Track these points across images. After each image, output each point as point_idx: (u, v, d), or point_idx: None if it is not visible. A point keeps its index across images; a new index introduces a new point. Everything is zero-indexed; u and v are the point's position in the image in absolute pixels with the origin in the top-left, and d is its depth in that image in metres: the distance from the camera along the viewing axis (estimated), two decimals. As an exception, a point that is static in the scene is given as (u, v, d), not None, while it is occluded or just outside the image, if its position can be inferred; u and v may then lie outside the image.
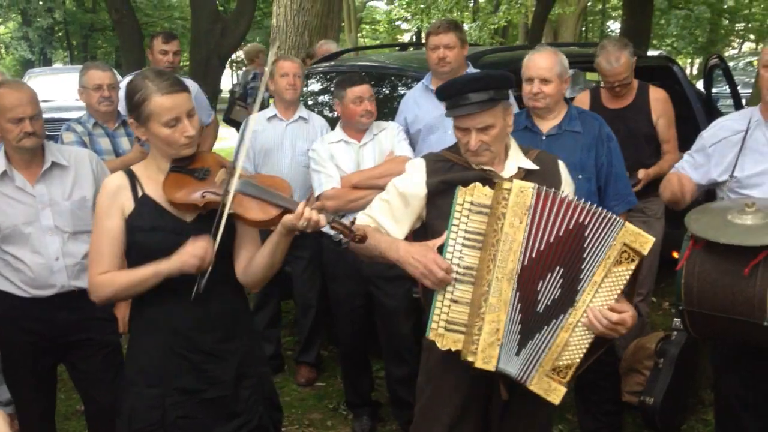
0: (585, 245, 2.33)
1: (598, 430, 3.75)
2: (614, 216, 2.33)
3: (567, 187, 2.61)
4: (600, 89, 4.42)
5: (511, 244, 2.32)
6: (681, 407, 3.98)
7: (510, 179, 2.42)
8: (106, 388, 3.13)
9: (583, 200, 2.36)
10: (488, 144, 2.47)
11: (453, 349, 2.35)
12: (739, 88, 6.36)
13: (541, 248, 2.33)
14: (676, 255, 2.76)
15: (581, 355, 2.35)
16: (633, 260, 2.33)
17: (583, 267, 2.33)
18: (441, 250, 2.38)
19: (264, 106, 4.66)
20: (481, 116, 2.44)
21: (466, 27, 22.42)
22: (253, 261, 2.39)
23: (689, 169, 3.04)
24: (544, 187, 2.35)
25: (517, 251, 2.31)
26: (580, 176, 3.40)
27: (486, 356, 2.32)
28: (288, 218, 2.22)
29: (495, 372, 2.34)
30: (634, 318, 2.38)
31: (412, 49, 7.50)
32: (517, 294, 2.33)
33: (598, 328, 2.31)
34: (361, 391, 4.13)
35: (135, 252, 2.37)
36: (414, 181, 2.58)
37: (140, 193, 2.37)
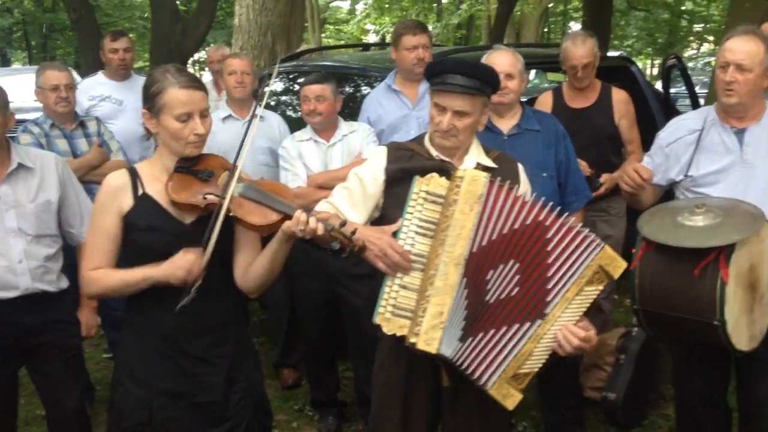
0: (549, 249, 2.37)
1: (561, 424, 3.79)
2: (595, 237, 2.40)
3: (525, 189, 2.65)
4: (563, 89, 4.47)
5: (460, 230, 2.36)
6: (642, 402, 4.04)
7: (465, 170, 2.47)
8: (67, 393, 3.10)
9: (543, 200, 2.41)
10: (458, 130, 2.52)
11: (398, 334, 2.39)
12: (698, 88, 6.48)
13: (493, 238, 2.37)
14: (634, 252, 2.81)
15: (540, 365, 2.40)
16: (602, 281, 2.39)
17: (550, 276, 2.37)
18: (395, 236, 2.42)
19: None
20: (462, 99, 2.50)
21: (430, 27, 22.52)
22: (252, 267, 2.37)
23: (649, 170, 3.09)
24: (498, 178, 2.40)
25: (466, 237, 2.36)
26: (544, 174, 3.45)
27: (428, 338, 2.36)
28: (287, 224, 2.21)
29: (436, 355, 2.38)
30: (595, 338, 2.43)
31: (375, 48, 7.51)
32: (464, 280, 2.37)
33: (567, 348, 2.36)
34: (327, 391, 4.12)
35: (130, 250, 2.36)
36: (374, 168, 2.63)
37: (140, 192, 2.35)
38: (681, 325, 2.66)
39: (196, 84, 2.31)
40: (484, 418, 2.62)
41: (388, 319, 2.40)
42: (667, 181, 3.03)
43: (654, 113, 5.38)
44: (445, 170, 2.48)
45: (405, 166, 2.57)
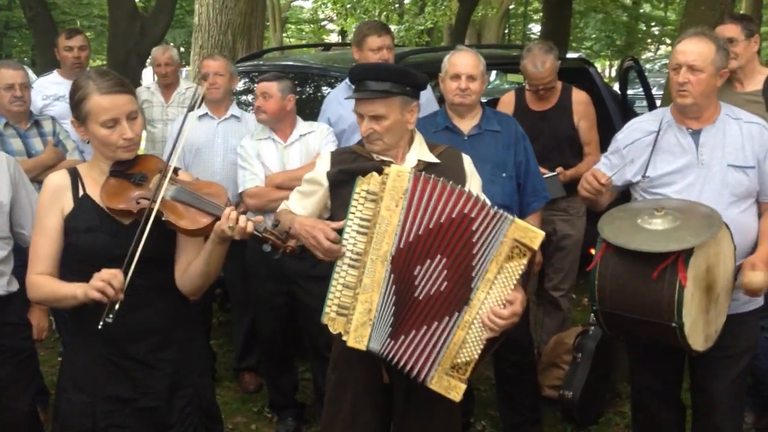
0: (474, 240, 2.39)
1: (520, 424, 3.81)
2: (502, 212, 2.40)
3: (473, 181, 2.69)
4: (525, 91, 4.50)
5: (386, 227, 2.40)
6: (599, 400, 4.09)
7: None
8: (19, 396, 3.04)
9: (468, 191, 2.43)
10: (380, 134, 2.57)
11: (341, 332, 2.42)
12: (655, 89, 6.57)
13: (420, 233, 2.40)
14: (593, 251, 2.83)
15: (479, 352, 2.41)
16: (525, 255, 2.38)
17: (474, 264, 2.39)
18: (339, 236, 2.45)
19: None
20: (373, 104, 2.55)
21: (393, 29, 22.52)
22: (189, 269, 2.34)
23: (606, 171, 3.11)
24: (423, 173, 2.42)
25: (392, 234, 2.39)
26: (503, 174, 3.49)
27: (358, 335, 2.40)
28: (218, 224, 2.18)
29: (367, 351, 2.41)
30: (524, 302, 2.44)
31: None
32: (391, 276, 2.40)
33: (494, 328, 2.38)
34: (285, 392, 4.09)
35: (70, 253, 2.32)
36: (319, 172, 2.68)
37: (81, 193, 2.32)
38: (639, 326, 2.69)
39: (120, 88, 2.26)
40: (435, 416, 2.64)
41: (334, 318, 2.44)
42: (624, 182, 3.06)
43: (611, 114, 5.45)
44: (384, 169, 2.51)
45: (345, 168, 2.61)
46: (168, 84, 5.68)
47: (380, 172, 2.46)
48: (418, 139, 2.70)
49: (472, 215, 2.39)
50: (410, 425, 2.67)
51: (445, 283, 2.39)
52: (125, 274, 2.15)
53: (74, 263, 2.31)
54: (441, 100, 3.88)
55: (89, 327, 2.30)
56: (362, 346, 2.41)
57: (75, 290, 2.19)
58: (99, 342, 2.33)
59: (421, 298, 2.41)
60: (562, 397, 3.93)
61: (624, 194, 3.20)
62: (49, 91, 5.02)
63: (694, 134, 2.91)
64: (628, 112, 5.56)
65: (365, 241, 2.43)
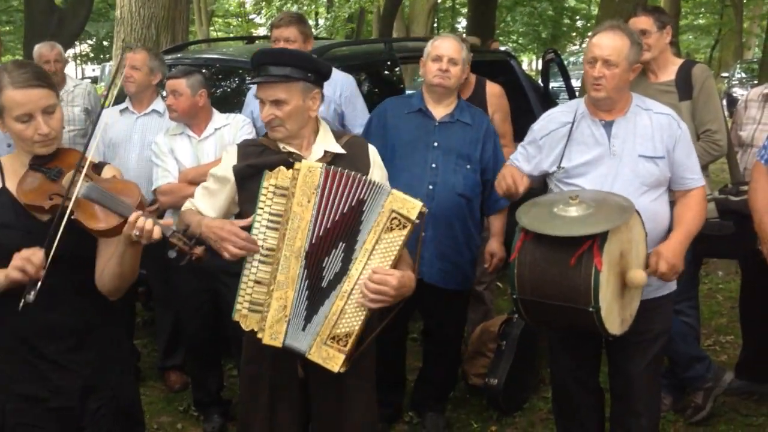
0: (362, 218, 2.43)
1: (424, 398, 3.95)
2: (382, 185, 2.44)
3: (377, 170, 2.70)
4: None
5: (299, 223, 2.41)
6: (523, 386, 4.16)
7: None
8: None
9: (368, 179, 2.46)
10: (281, 119, 2.55)
11: (255, 329, 2.41)
12: (579, 81, 6.69)
13: (328, 226, 2.42)
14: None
15: (359, 323, 2.42)
16: (405, 227, 2.42)
17: (357, 238, 2.43)
18: (248, 231, 2.44)
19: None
20: (274, 89, 2.53)
21: (321, 21, 22.45)
22: (105, 269, 2.28)
23: (522, 161, 3.16)
24: (332, 167, 2.44)
25: (305, 229, 2.41)
26: (467, 166, 3.56)
27: (273, 332, 2.40)
28: (125, 228, 2.13)
29: (283, 348, 2.41)
30: (409, 278, 2.47)
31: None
32: (305, 271, 2.41)
33: (366, 294, 2.39)
34: (211, 390, 4.03)
35: None
36: (225, 167, 2.65)
37: (0, 186, 2.25)
38: (557, 312, 2.74)
39: (36, 82, 2.19)
40: (352, 409, 2.64)
41: (245, 315, 2.43)
42: (540, 172, 3.11)
43: (533, 106, 5.54)
44: (292, 162, 2.50)
45: (252, 162, 2.58)
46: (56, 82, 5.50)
47: (288, 165, 2.45)
48: (324, 128, 2.69)
49: (365, 198, 2.43)
50: (327, 420, 2.67)
51: (340, 264, 2.43)
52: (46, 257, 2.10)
53: None
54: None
55: (2, 322, 2.25)
56: (278, 343, 2.40)
57: None
58: (12, 339, 2.27)
59: (325, 286, 2.43)
60: (488, 385, 3.98)
61: (544, 182, 3.26)
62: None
63: (606, 125, 2.98)
64: (549, 104, 5.66)
65: (277, 237, 2.42)
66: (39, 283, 2.10)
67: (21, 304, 2.09)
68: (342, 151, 2.65)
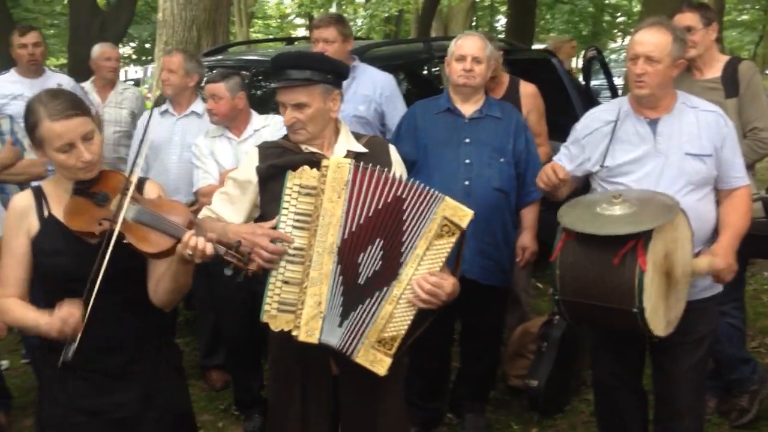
0: (404, 218, 2.42)
1: (464, 396, 3.93)
2: (434, 191, 2.42)
3: (399, 168, 2.70)
4: None
5: (330, 219, 2.40)
6: (564, 388, 4.11)
7: None
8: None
9: (400, 176, 2.47)
10: (303, 122, 2.55)
11: (285, 329, 2.41)
12: (621, 79, 6.59)
13: (361, 222, 2.41)
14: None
15: (406, 327, 2.43)
16: (454, 234, 2.41)
17: (404, 240, 2.41)
18: None
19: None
20: (294, 93, 2.53)
21: (358, 21, 22.49)
22: (159, 285, 2.31)
23: (565, 161, 3.13)
24: (362, 163, 2.44)
25: (336, 225, 2.40)
26: (501, 160, 3.56)
27: (309, 329, 2.39)
28: (179, 248, 2.14)
29: (319, 344, 2.40)
30: (455, 287, 2.46)
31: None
32: (338, 267, 2.41)
33: (420, 295, 2.39)
34: (252, 390, 4.07)
35: (40, 274, 2.30)
36: (246, 169, 2.65)
37: (46, 214, 2.29)
38: (600, 313, 2.71)
39: (72, 111, 2.20)
40: (378, 405, 2.64)
41: (274, 316, 2.42)
42: (584, 171, 3.07)
43: (574, 105, 5.49)
44: (315, 162, 2.49)
45: (275, 163, 2.58)
46: (107, 83, 5.60)
47: (311, 165, 2.45)
48: (345, 130, 2.69)
49: (404, 195, 2.42)
50: (358, 419, 2.66)
51: (381, 263, 2.42)
52: (86, 300, 2.13)
53: (44, 283, 2.30)
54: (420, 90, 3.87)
55: (62, 340, 2.29)
56: (314, 340, 2.40)
57: (38, 320, 2.19)
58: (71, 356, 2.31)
59: (363, 283, 2.43)
60: (528, 386, 3.95)
61: (588, 183, 3.22)
62: (6, 90, 4.94)
63: (651, 123, 2.93)
64: (591, 102, 5.60)
65: (305, 236, 2.42)
66: (75, 344, 2.13)
67: (60, 363, 2.14)
68: (364, 150, 2.65)
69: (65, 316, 2.11)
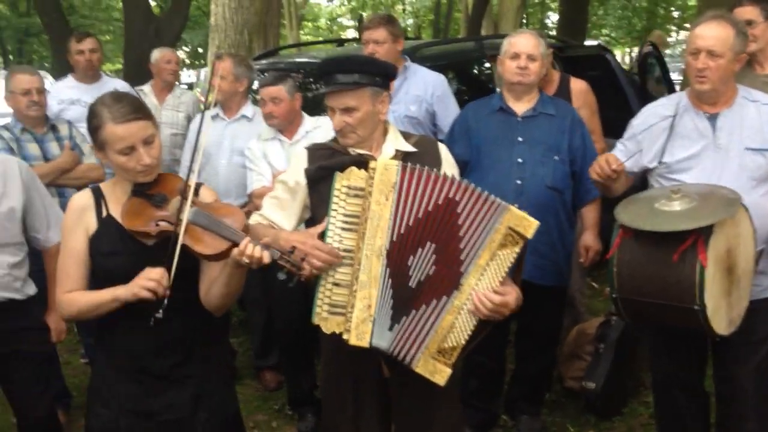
0: (459, 222, 2.37)
1: (518, 397, 3.89)
2: (497, 199, 2.37)
3: (449, 167, 2.67)
4: None
5: (378, 221, 2.38)
6: (622, 390, 4.04)
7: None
8: (36, 401, 3.06)
9: (452, 176, 2.41)
10: (353, 126, 2.54)
11: (337, 331, 2.40)
12: (676, 74, 6.45)
13: (410, 224, 2.39)
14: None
15: (466, 338, 2.39)
16: (517, 243, 2.36)
17: (462, 247, 2.37)
18: (323, 235, 2.42)
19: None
20: (343, 97, 2.52)
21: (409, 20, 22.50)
22: (211, 288, 2.32)
23: (621, 157, 3.06)
24: (409, 164, 2.41)
25: (384, 228, 2.38)
26: (555, 157, 3.51)
27: (359, 332, 2.39)
28: (234, 252, 2.15)
29: (370, 348, 2.39)
30: (519, 299, 2.42)
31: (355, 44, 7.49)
32: (387, 270, 2.39)
33: (483, 311, 2.35)
34: (305, 390, 4.08)
35: (97, 273, 2.34)
36: (296, 171, 2.65)
37: (104, 214, 2.33)
38: (659, 311, 2.65)
39: (134, 115, 2.24)
40: (432, 406, 2.61)
41: (326, 318, 2.42)
42: (640, 168, 3.01)
43: (629, 100, 5.39)
44: (364, 162, 2.48)
45: (323, 164, 2.57)
46: (166, 86, 5.69)
47: (359, 165, 2.44)
48: (393, 129, 2.67)
49: (457, 198, 2.37)
50: (409, 414, 2.64)
51: (434, 267, 2.38)
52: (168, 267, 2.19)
53: (101, 282, 2.32)
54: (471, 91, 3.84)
55: (115, 342, 2.36)
56: (365, 343, 2.39)
57: (118, 293, 2.22)
58: (123, 357, 2.36)
59: (414, 286, 2.40)
60: (584, 388, 3.89)
61: (644, 180, 3.15)
62: (65, 95, 5.05)
63: (711, 118, 2.86)
64: (646, 98, 5.49)
65: (354, 238, 2.40)
66: (165, 301, 2.19)
67: (152, 320, 2.18)
68: (413, 149, 2.63)
69: (156, 276, 2.16)
